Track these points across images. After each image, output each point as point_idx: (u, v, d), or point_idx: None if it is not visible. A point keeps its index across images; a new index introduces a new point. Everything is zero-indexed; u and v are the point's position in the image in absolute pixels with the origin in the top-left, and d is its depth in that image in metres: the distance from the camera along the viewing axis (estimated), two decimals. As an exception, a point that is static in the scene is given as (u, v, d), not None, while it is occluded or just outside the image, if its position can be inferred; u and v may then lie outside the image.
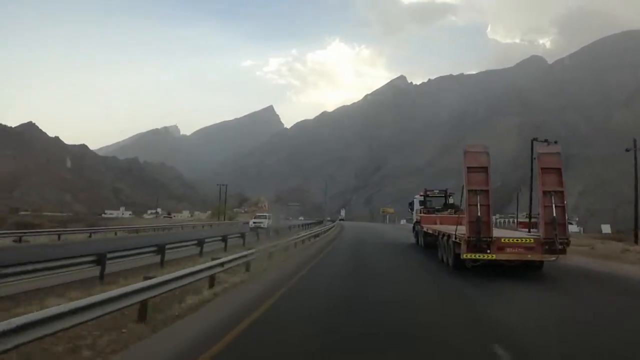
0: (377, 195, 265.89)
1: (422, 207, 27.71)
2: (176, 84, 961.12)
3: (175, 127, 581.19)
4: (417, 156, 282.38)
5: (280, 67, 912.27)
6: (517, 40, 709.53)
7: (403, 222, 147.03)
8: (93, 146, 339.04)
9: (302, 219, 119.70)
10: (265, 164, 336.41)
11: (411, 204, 31.51)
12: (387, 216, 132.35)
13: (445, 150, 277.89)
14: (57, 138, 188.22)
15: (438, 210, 26.59)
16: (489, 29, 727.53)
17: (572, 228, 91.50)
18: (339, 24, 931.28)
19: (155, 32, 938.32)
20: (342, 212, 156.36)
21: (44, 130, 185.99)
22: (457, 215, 16.96)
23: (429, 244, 22.88)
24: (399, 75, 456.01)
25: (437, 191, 29.14)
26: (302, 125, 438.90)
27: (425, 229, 23.61)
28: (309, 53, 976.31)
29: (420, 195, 29.02)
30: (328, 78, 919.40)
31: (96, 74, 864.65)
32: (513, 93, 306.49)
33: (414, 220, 29.87)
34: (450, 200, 28.23)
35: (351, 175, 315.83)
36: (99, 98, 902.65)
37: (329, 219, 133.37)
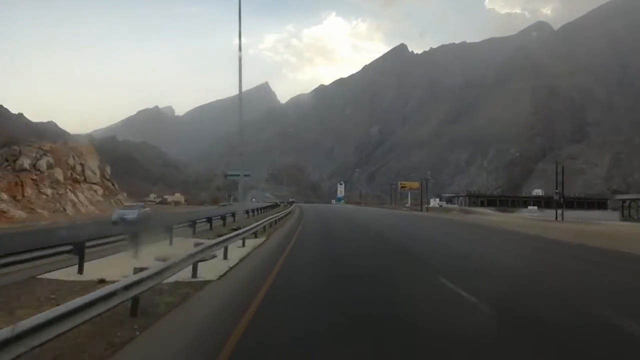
0: (381, 170, 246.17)
1: None
2: (170, 64, 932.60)
3: (170, 107, 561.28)
4: (423, 127, 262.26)
5: (276, 43, 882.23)
6: (518, 10, 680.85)
7: (437, 203, 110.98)
8: (84, 130, 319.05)
9: (254, 200, 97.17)
10: (258, 141, 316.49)
11: None
12: (409, 193, 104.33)
13: (454, 119, 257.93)
14: (20, 115, 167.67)
15: None
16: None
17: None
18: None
19: (148, 11, 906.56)
20: (341, 189, 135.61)
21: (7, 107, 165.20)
22: None
23: None
24: (398, 44, 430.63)
25: None
26: (297, 100, 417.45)
27: None
28: (305, 29, 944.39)
29: None
30: (325, 54, 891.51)
31: (85, 54, 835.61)
32: (522, 58, 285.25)
33: None
34: None
35: (351, 150, 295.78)
36: (91, 81, 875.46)
37: (292, 199, 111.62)
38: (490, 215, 67.95)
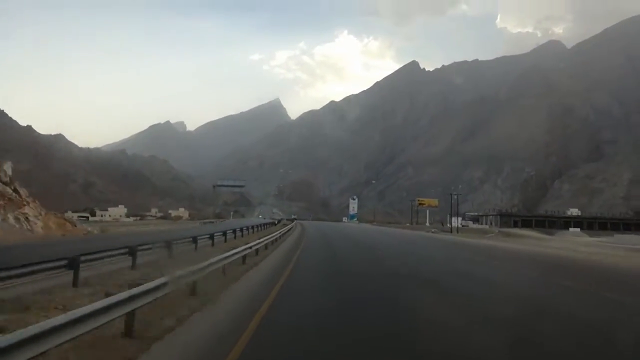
0: (391, 188, 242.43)
1: None
2: (182, 79, 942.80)
3: (182, 123, 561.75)
4: (435, 144, 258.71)
5: (288, 60, 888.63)
6: (530, 29, 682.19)
7: (461, 223, 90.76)
8: (94, 144, 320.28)
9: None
10: (267, 157, 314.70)
11: None
12: (427, 211, 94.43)
13: (467, 137, 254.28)
14: (29, 127, 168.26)
15: None
16: (498, 19, 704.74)
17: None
18: (348, 15, 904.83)
19: (161, 26, 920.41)
20: (353, 206, 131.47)
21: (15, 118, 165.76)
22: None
23: None
24: (410, 61, 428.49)
25: None
26: (307, 116, 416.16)
27: None
28: (317, 46, 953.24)
29: None
30: (336, 71, 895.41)
31: (96, 69, 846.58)
32: (535, 76, 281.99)
33: None
34: None
35: (362, 167, 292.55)
36: (104, 95, 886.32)
37: (294, 216, 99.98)
38: (550, 241, 50.64)
